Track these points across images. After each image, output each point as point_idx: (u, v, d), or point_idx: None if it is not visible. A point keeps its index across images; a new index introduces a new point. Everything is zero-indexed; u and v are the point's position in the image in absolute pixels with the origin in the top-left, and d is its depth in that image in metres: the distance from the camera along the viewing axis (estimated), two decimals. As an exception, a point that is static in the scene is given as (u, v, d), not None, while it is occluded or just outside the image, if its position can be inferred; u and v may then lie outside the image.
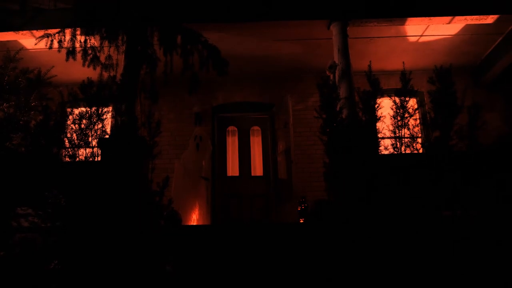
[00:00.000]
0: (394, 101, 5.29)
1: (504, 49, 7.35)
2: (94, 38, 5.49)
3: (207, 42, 5.50)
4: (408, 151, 5.11)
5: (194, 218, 6.50)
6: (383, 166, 4.80)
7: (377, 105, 5.23)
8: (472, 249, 4.02)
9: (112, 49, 5.49)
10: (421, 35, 7.30)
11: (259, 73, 8.32)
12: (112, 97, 5.29)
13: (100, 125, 5.21)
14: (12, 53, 5.41)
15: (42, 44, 5.44)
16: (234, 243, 4.56)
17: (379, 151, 5.19)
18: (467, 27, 7.00)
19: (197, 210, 6.60)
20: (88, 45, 5.41)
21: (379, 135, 5.35)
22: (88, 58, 5.39)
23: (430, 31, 7.13)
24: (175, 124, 8.46)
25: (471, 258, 3.95)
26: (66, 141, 5.15)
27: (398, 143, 5.14)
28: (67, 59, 5.38)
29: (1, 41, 6.53)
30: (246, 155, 8.80)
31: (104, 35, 5.39)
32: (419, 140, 5.22)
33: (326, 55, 6.83)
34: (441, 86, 5.04)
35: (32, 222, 4.36)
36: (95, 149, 5.10)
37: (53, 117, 5.13)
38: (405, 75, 5.26)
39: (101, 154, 5.07)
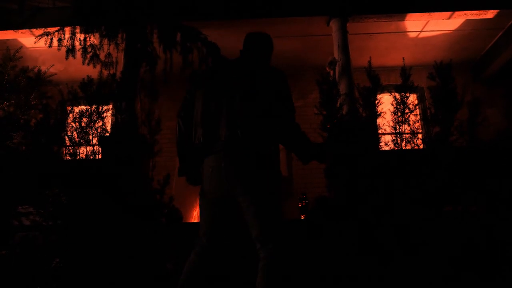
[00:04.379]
0: (394, 97, 5.29)
1: (504, 44, 7.33)
2: (93, 36, 5.48)
3: (207, 39, 5.50)
4: (408, 147, 5.12)
5: (195, 215, 6.51)
6: (383, 162, 4.80)
7: (377, 101, 5.24)
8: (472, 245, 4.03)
9: (111, 47, 5.48)
10: (421, 31, 7.28)
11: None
12: (112, 95, 5.29)
13: (100, 123, 5.22)
14: (12, 51, 5.41)
15: (42, 43, 5.43)
16: (234, 240, 4.57)
17: (379, 147, 5.19)
18: (467, 22, 6.98)
19: (197, 207, 6.59)
20: (88, 43, 5.40)
21: (380, 131, 5.35)
22: (88, 56, 5.38)
23: (430, 26, 7.12)
24: (175, 122, 8.43)
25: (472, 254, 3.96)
26: (67, 139, 5.17)
27: (398, 139, 5.15)
28: (66, 57, 5.37)
29: (0, 40, 6.53)
30: (247, 152, 8.77)
31: (104, 33, 5.38)
32: (420, 135, 5.22)
33: (326, 51, 6.81)
34: (441, 81, 5.05)
35: (33, 220, 4.37)
36: (95, 147, 5.11)
37: (53, 116, 5.15)
38: (405, 71, 5.26)
39: (102, 152, 5.08)
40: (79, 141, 5.11)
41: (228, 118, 2.33)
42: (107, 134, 5.32)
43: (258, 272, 2.22)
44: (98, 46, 5.45)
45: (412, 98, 7.77)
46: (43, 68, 5.46)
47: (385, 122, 5.36)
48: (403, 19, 6.62)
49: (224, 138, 2.31)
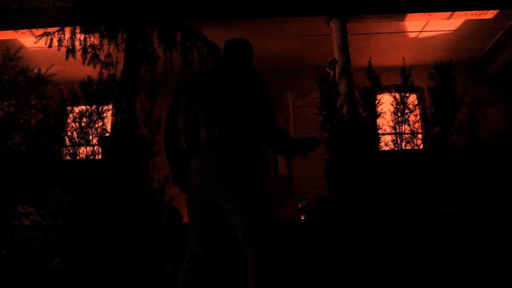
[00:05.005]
0: (394, 97, 5.29)
1: (504, 44, 7.33)
2: (93, 36, 5.48)
3: (207, 39, 5.50)
4: (408, 147, 5.12)
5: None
6: (383, 162, 4.80)
7: (377, 101, 5.24)
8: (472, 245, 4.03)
9: (112, 47, 5.48)
10: (421, 31, 7.28)
11: (258, 70, 8.28)
12: (112, 95, 5.29)
13: (100, 123, 5.22)
14: (12, 51, 5.41)
15: (42, 43, 5.43)
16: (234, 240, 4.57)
17: (379, 147, 5.19)
18: (467, 23, 6.98)
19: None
20: (88, 43, 5.39)
21: (380, 131, 5.35)
22: (88, 56, 5.38)
23: (430, 26, 7.12)
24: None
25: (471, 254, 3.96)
26: (67, 139, 5.16)
27: (398, 139, 5.15)
28: (67, 58, 5.37)
29: (0, 40, 6.53)
30: (247, 152, 8.76)
31: (104, 33, 5.38)
32: (420, 136, 5.22)
33: (326, 51, 6.82)
34: (441, 81, 5.05)
35: (34, 220, 4.37)
36: (95, 147, 5.11)
37: (54, 116, 5.14)
38: (405, 71, 5.26)
39: (102, 152, 5.08)
40: (79, 141, 5.11)
41: (206, 121, 2.37)
42: (107, 134, 5.32)
43: (248, 274, 2.23)
44: (98, 46, 5.44)
45: (412, 98, 7.76)
46: (43, 68, 5.46)
47: (385, 122, 5.36)
48: (403, 19, 6.63)
49: (203, 141, 2.34)
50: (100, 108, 5.26)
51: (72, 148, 5.08)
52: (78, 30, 5.45)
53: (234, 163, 2.29)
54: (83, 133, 5.13)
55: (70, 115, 5.23)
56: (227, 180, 2.28)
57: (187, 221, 5.33)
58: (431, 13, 6.45)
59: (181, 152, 2.48)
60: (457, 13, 6.44)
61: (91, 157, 5.08)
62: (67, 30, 5.49)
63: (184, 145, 2.45)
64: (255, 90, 2.43)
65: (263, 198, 2.35)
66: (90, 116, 5.20)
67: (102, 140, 5.07)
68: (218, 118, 2.34)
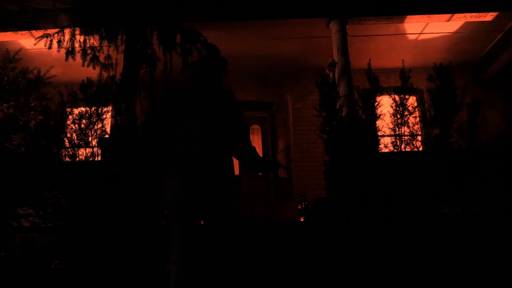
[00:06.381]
0: (394, 99, 5.29)
1: (504, 46, 7.35)
2: (93, 38, 5.48)
3: (207, 41, 5.50)
4: (408, 149, 5.12)
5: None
6: (382, 164, 4.80)
7: (376, 103, 5.23)
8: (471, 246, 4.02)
9: (111, 48, 5.48)
10: (421, 33, 7.29)
11: (258, 71, 8.32)
12: (112, 96, 5.29)
13: (100, 125, 5.21)
14: (12, 53, 5.41)
15: (42, 44, 5.44)
16: (234, 242, 4.56)
17: (379, 149, 5.19)
18: (467, 25, 6.99)
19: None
20: (88, 45, 5.40)
21: (379, 133, 5.35)
22: (88, 58, 5.39)
23: (429, 28, 7.13)
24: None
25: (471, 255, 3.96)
26: (66, 141, 5.15)
27: (398, 141, 5.14)
28: (66, 59, 5.38)
29: (0, 41, 6.53)
30: (246, 154, 8.75)
31: (104, 34, 5.39)
32: (419, 138, 5.22)
33: (326, 53, 6.83)
34: (440, 83, 5.05)
35: (33, 222, 4.37)
36: (95, 149, 5.11)
37: (53, 117, 5.13)
38: (404, 73, 5.26)
39: (101, 154, 5.07)
40: (78, 142, 5.10)
41: (184, 135, 2.54)
42: (107, 136, 5.31)
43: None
44: (98, 48, 5.45)
45: (412, 100, 7.79)
46: (43, 70, 5.45)
47: (384, 124, 5.35)
48: (402, 21, 6.63)
49: (182, 154, 2.51)
50: (100, 109, 5.25)
51: (71, 150, 5.08)
52: (77, 32, 5.46)
53: (211, 174, 2.48)
54: (82, 134, 5.12)
55: (70, 117, 5.22)
56: (204, 190, 2.45)
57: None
58: (431, 15, 6.46)
59: (158, 165, 2.66)
60: (456, 15, 6.45)
61: (91, 159, 5.08)
62: (67, 31, 5.50)
63: (163, 157, 2.60)
64: (227, 107, 2.62)
65: (236, 201, 2.57)
66: (89, 117, 5.19)
67: (101, 142, 5.06)
68: (195, 133, 2.52)
